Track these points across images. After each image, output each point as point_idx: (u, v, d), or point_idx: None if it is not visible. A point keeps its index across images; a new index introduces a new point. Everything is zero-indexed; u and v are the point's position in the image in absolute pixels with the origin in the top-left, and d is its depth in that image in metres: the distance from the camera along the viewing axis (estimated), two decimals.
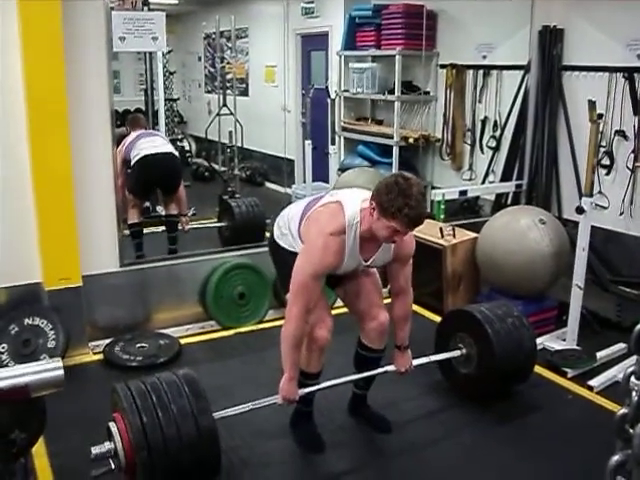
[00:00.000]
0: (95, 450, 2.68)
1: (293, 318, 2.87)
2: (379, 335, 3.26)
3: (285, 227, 3.10)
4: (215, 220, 6.03)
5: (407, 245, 2.99)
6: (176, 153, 5.54)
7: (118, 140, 4.74)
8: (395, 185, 2.62)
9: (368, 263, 2.99)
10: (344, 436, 3.40)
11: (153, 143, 5.36)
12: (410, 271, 3.14)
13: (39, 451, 3.06)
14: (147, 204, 5.99)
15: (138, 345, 4.24)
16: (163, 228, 5.67)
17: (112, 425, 2.73)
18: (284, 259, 3.08)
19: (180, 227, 5.63)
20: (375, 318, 3.22)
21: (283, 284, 3.10)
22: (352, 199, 2.88)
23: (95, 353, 4.23)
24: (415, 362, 3.40)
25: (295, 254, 2.94)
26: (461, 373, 3.71)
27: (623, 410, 1.78)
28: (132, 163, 5.19)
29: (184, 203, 5.63)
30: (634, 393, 1.77)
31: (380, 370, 3.34)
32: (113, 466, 2.69)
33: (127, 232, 5.12)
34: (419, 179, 2.76)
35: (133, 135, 5.39)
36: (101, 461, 2.69)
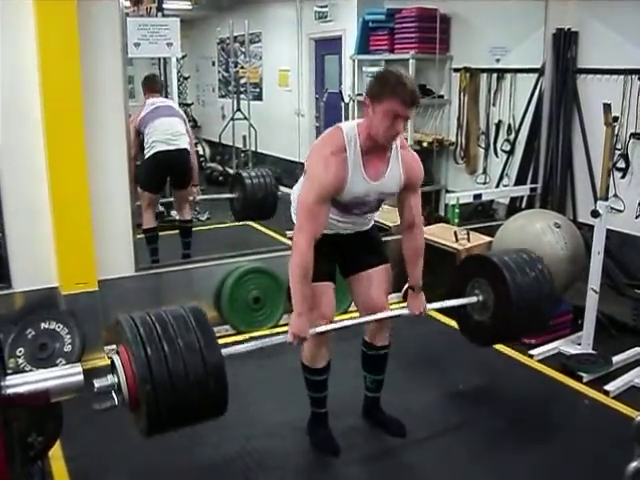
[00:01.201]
0: (98, 383, 2.54)
1: (299, 249, 2.79)
2: (379, 331, 3.27)
3: (293, 198, 3.10)
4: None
5: (415, 168, 2.99)
6: (188, 147, 5.43)
7: None
8: (384, 73, 2.79)
9: (378, 183, 2.90)
10: (358, 439, 3.39)
11: (169, 130, 5.27)
12: (420, 203, 3.10)
13: (56, 454, 3.08)
14: (161, 208, 6.01)
15: None
16: (177, 231, 5.68)
17: (115, 358, 2.59)
18: None
19: (191, 198, 5.61)
20: (376, 314, 3.20)
21: None
22: (348, 123, 2.95)
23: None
24: (429, 306, 3.30)
25: None
26: (475, 320, 3.55)
27: None
28: (145, 155, 5.18)
29: (196, 171, 5.62)
30: None
31: (394, 313, 3.26)
32: (117, 401, 2.53)
33: (141, 236, 5.15)
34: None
35: (149, 106, 5.31)
36: (104, 395, 2.54)
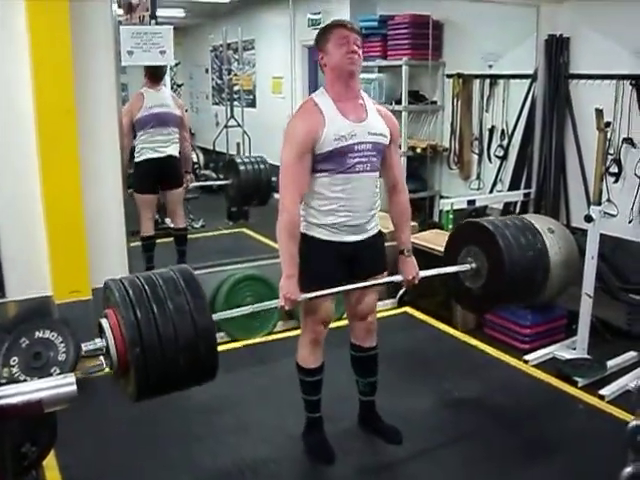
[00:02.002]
0: (86, 347, 2.53)
1: (286, 208, 2.85)
2: (366, 333, 3.29)
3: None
4: (219, 178, 5.98)
5: (392, 118, 3.12)
6: (176, 154, 5.51)
7: None
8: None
9: (363, 123, 2.92)
10: (354, 445, 3.39)
11: (159, 139, 5.39)
12: (401, 163, 3.24)
13: (50, 464, 3.06)
14: (156, 216, 6.01)
15: None
16: (171, 239, 5.68)
17: (104, 321, 2.53)
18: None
19: (184, 186, 5.65)
20: (364, 318, 3.26)
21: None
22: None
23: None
24: (422, 273, 3.25)
25: (304, 235, 2.95)
26: (468, 287, 3.48)
27: (634, 422, 1.78)
28: (135, 160, 5.28)
29: (189, 158, 5.70)
30: None
31: (387, 279, 3.25)
32: (104, 365, 2.54)
33: (139, 244, 5.22)
34: None
35: (146, 109, 5.35)
36: (92, 358, 2.54)
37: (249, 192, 5.37)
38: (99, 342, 2.51)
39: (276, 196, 3.06)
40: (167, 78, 6.36)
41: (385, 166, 3.09)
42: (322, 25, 3.00)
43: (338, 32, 2.89)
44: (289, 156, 2.85)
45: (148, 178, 5.38)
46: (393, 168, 3.12)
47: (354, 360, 3.37)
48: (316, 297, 2.94)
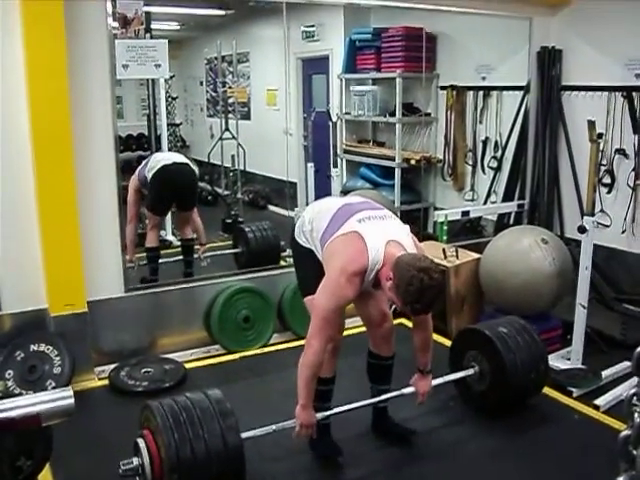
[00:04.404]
0: (124, 466, 2.73)
1: (314, 352, 2.90)
2: (384, 341, 3.37)
3: (308, 222, 3.14)
4: (229, 245, 6.03)
5: None
6: (192, 165, 5.52)
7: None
8: (419, 283, 2.68)
9: (377, 292, 3.14)
10: (361, 448, 3.43)
11: (169, 155, 5.51)
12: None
13: (45, 478, 3.04)
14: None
15: (143, 370, 4.24)
16: (176, 257, 5.68)
17: (140, 441, 2.77)
18: (300, 257, 3.22)
19: (197, 255, 5.61)
20: (380, 325, 3.34)
21: (299, 286, 3.27)
22: (377, 238, 2.88)
23: (100, 379, 4.23)
24: (434, 382, 3.46)
25: (310, 252, 3.09)
26: (476, 390, 3.75)
27: (626, 432, 1.79)
28: (149, 177, 5.19)
29: (202, 231, 5.63)
30: (636, 415, 1.77)
31: (396, 393, 3.41)
32: None
33: (144, 255, 5.27)
34: (442, 278, 2.84)
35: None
36: (127, 478, 2.74)
37: (259, 259, 5.41)
38: (136, 461, 2.76)
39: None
40: (162, 91, 6.37)
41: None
42: (423, 285, 2.68)
43: (407, 311, 2.85)
44: (329, 307, 2.87)
45: (158, 193, 5.31)
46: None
47: (370, 367, 3.45)
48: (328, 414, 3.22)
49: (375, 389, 3.46)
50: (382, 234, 2.90)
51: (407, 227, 3.09)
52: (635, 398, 1.78)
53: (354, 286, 2.85)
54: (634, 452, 1.75)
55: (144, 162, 5.37)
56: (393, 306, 3.29)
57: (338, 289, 2.84)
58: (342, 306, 2.95)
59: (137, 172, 5.30)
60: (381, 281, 2.86)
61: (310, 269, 3.10)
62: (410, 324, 4.45)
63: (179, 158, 5.46)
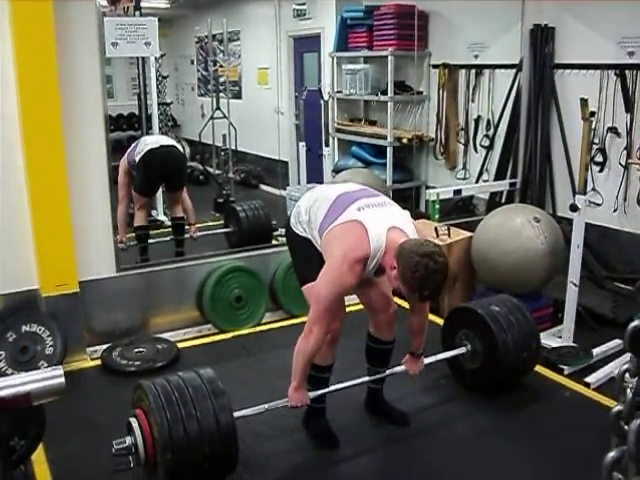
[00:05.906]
0: (116, 445, 2.73)
1: (314, 338, 2.88)
2: (387, 326, 3.34)
3: (304, 213, 3.10)
4: (221, 224, 6.02)
5: None
6: (180, 147, 5.56)
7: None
8: (424, 269, 2.63)
9: (379, 279, 3.13)
10: (355, 430, 3.43)
11: (157, 138, 5.49)
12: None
13: (39, 458, 3.06)
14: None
15: (136, 350, 4.24)
16: (158, 230, 5.68)
17: (133, 421, 2.77)
18: (297, 246, 3.18)
19: (188, 235, 5.61)
20: (384, 310, 3.30)
21: (297, 274, 3.23)
22: (378, 225, 2.85)
23: (93, 359, 4.23)
24: (426, 360, 3.47)
25: (307, 240, 3.06)
26: (468, 368, 3.76)
27: (618, 407, 1.80)
28: (137, 160, 5.19)
29: (191, 210, 5.61)
30: (628, 390, 1.78)
31: (389, 372, 3.43)
32: (132, 464, 2.75)
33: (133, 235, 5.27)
34: (446, 260, 2.75)
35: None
36: (120, 457, 2.73)
37: (251, 238, 5.39)
38: (129, 440, 2.76)
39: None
40: (152, 70, 6.32)
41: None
42: (428, 270, 2.62)
43: (413, 298, 2.86)
44: (330, 294, 2.85)
45: (146, 175, 5.31)
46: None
47: (370, 350, 3.43)
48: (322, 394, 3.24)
49: (373, 371, 3.44)
50: (383, 221, 2.88)
51: (407, 212, 3.06)
52: (627, 374, 1.80)
53: (355, 274, 2.83)
54: (626, 427, 1.76)
55: (133, 145, 5.35)
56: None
57: (339, 277, 2.82)
58: (343, 294, 2.95)
59: (126, 154, 5.28)
60: (386, 270, 2.83)
61: (308, 258, 3.07)
62: (404, 304, 4.46)
63: (167, 141, 5.47)
